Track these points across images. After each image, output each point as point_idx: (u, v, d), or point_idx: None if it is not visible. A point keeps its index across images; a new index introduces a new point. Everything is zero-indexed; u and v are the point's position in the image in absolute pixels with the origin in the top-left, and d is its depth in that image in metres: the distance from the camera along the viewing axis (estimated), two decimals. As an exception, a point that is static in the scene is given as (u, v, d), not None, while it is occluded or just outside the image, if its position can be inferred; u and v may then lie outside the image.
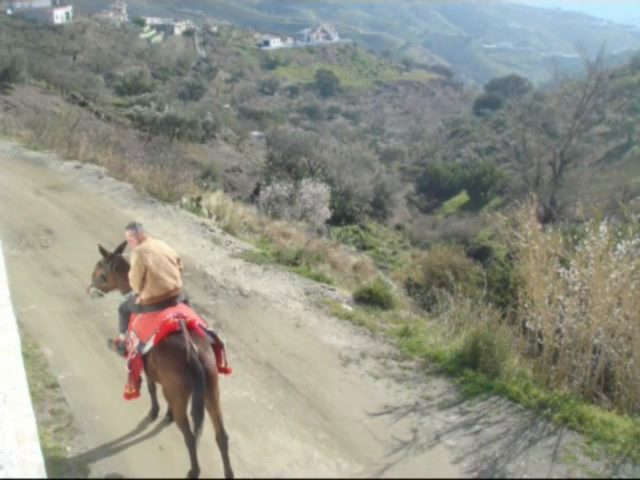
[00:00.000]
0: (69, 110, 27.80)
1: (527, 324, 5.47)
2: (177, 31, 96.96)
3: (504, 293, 9.07)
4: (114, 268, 4.71)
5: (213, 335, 4.25)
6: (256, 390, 5.23)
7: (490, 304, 5.89)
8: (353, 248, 18.01)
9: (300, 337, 6.28)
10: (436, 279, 13.03)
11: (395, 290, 9.26)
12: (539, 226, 5.52)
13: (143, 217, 9.68)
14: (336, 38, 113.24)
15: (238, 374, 5.22)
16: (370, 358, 5.85)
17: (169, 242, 4.80)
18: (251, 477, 4.18)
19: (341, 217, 23.13)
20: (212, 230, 9.67)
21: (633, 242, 5.01)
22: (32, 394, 4.63)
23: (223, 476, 4.03)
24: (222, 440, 4.01)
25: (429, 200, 45.73)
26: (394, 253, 28.38)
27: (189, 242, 9.02)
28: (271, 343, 6.08)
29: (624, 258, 5.00)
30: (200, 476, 4.01)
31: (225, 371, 4.34)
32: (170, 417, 4.58)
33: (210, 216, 10.74)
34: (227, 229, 9.85)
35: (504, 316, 5.74)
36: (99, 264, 4.85)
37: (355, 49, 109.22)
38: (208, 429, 3.99)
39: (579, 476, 4.16)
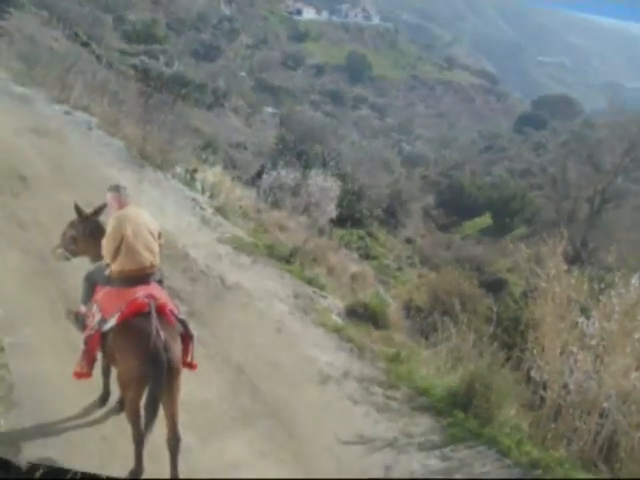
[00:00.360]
0: (68, 48, 27.79)
1: (532, 372, 5.47)
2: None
3: (513, 334, 9.06)
4: (87, 231, 4.71)
5: (184, 324, 4.25)
6: (221, 393, 5.23)
7: (495, 343, 5.90)
8: (355, 255, 18.03)
9: (280, 343, 6.28)
10: (440, 305, 13.00)
11: (393, 309, 9.26)
12: (564, 266, 5.51)
13: (129, 181, 9.66)
14: (377, 20, 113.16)
15: (204, 372, 5.21)
16: (352, 380, 5.85)
17: (153, 214, 4.78)
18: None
19: (348, 219, 23.07)
20: (203, 208, 9.67)
21: (665, 302, 5.00)
22: (-27, 354, 4.65)
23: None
24: (174, 442, 4.01)
25: (448, 217, 45.62)
26: (399, 268, 28.33)
27: (175, 217, 9.00)
28: (246, 344, 6.08)
29: (652, 318, 4.99)
30: (143, 476, 4.01)
31: (190, 366, 4.34)
32: (120, 407, 4.56)
33: (203, 192, 10.74)
34: (219, 210, 9.87)
35: (508, 359, 5.74)
36: (71, 224, 4.84)
37: (395, 36, 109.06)
38: (160, 427, 3.98)
39: None
